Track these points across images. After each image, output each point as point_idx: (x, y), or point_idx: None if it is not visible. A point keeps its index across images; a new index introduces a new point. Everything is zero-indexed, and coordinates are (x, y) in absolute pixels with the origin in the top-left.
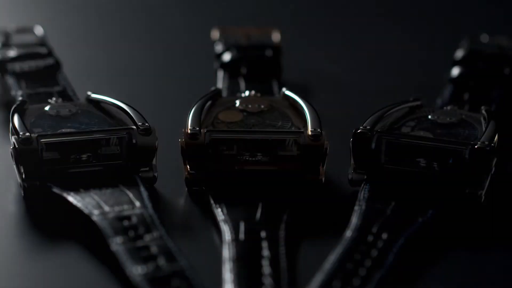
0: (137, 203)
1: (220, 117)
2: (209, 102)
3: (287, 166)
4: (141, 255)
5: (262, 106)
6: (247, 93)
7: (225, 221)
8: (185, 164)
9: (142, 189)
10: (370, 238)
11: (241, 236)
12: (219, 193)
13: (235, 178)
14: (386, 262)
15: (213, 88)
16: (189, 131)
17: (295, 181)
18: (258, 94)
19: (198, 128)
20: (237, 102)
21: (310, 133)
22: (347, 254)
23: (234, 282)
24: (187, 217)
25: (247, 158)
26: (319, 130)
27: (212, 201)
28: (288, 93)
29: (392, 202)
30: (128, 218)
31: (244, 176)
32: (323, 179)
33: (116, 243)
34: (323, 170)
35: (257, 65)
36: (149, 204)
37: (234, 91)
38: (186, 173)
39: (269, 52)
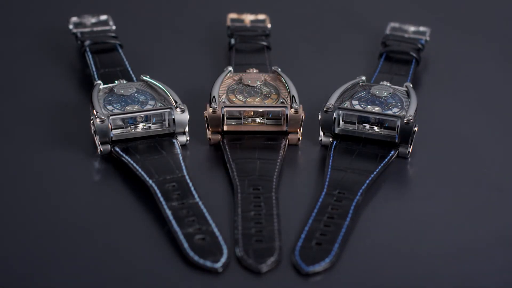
0: (179, 171)
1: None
2: (224, 79)
3: (277, 128)
4: (184, 216)
5: (258, 82)
6: (250, 70)
7: (234, 178)
8: (208, 129)
9: (180, 156)
10: (336, 196)
11: (246, 190)
12: (231, 153)
13: (242, 137)
14: (349, 213)
15: (227, 68)
16: (211, 107)
17: (282, 137)
18: (256, 71)
19: (216, 105)
20: (242, 78)
21: (292, 108)
22: (321, 209)
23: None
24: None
25: (249, 122)
26: (297, 105)
27: (227, 160)
28: (277, 70)
29: (349, 165)
30: (173, 184)
31: (247, 135)
32: (301, 138)
33: (166, 206)
34: (301, 132)
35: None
36: (185, 171)
37: (241, 67)
38: (209, 135)
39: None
